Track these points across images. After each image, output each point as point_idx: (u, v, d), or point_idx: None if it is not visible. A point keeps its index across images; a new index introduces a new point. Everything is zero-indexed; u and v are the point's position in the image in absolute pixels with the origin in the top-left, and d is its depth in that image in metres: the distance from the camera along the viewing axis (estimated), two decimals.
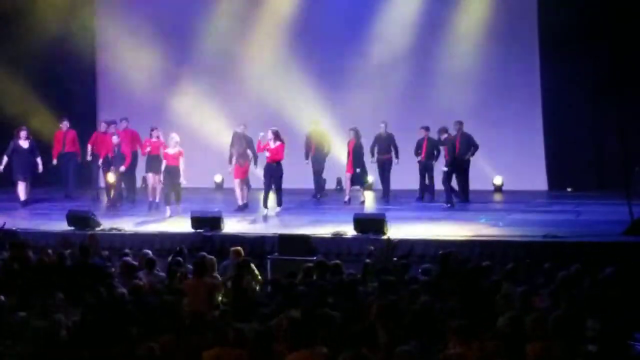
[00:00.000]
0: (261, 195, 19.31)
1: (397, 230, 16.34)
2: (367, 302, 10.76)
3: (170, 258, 14.03)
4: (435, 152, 20.47)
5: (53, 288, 11.47)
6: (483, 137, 21.45)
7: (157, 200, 20.05)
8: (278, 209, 19.12)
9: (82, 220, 17.50)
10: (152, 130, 20.33)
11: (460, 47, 22.54)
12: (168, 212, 18.99)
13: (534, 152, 22.41)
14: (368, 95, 22.80)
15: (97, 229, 17.28)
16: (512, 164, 22.42)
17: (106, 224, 17.68)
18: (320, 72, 23.29)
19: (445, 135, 20.00)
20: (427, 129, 20.33)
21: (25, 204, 20.75)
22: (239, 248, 14.44)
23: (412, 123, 21.37)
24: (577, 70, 21.43)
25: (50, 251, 14.27)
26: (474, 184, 20.88)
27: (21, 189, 20.83)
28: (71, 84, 24.31)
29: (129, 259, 13.88)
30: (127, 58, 24.02)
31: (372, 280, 12.29)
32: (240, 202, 19.54)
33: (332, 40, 23.41)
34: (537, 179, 22.39)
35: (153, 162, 20.12)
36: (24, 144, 20.87)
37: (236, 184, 19.68)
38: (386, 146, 20.52)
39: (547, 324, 8.98)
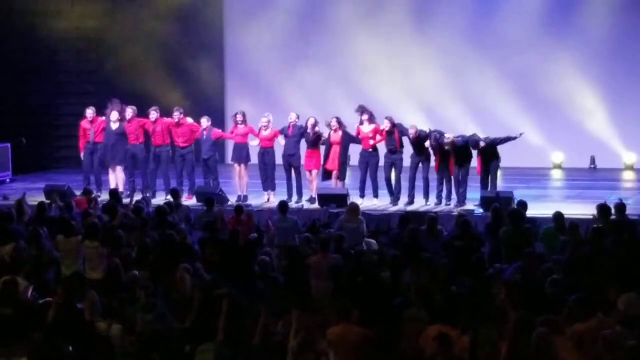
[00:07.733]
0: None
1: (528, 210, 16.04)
2: (494, 280, 10.66)
3: None
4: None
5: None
6: (610, 114, 21.39)
7: (245, 192, 18.17)
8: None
9: (211, 196, 17.46)
10: (236, 115, 18.36)
11: (587, 24, 22.28)
12: (266, 197, 18.03)
13: None
14: (485, 80, 22.79)
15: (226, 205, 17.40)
16: None
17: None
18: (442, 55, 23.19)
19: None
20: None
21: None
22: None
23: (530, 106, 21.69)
24: None
25: None
26: (605, 162, 20.55)
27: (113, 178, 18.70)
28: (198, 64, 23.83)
29: (255, 235, 14.16)
30: (255, 36, 24.10)
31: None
32: None
33: (452, 25, 23.19)
34: None
35: (239, 151, 18.30)
36: (114, 125, 18.65)
37: None
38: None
39: None
